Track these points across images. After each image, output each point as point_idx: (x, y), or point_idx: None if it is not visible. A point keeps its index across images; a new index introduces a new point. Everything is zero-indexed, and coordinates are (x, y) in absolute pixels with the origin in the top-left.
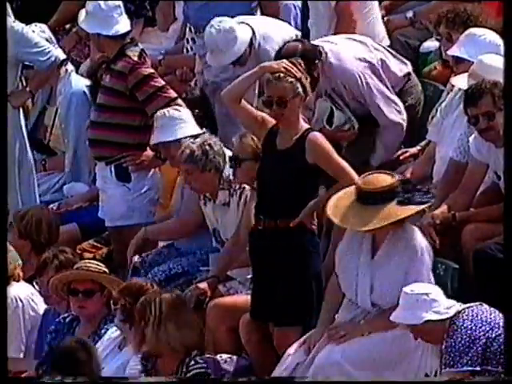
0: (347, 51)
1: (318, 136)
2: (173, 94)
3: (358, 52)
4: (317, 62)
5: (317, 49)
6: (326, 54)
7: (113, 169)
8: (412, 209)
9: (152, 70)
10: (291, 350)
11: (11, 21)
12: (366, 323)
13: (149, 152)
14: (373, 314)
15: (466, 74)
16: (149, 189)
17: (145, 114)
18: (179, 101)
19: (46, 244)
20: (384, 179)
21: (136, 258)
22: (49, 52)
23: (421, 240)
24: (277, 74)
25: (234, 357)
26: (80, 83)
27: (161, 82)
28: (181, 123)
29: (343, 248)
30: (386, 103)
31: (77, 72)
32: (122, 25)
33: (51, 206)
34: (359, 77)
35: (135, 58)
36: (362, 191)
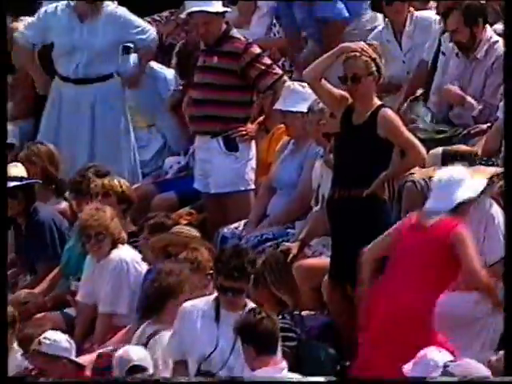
0: None
1: (388, 112)
2: (280, 71)
3: None
4: None
5: None
6: None
7: (221, 141)
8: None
9: (260, 50)
10: None
11: (114, 7)
12: None
13: (253, 125)
14: None
15: None
16: (251, 158)
17: (253, 90)
18: (285, 77)
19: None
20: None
21: (226, 230)
22: (148, 30)
23: (496, 208)
24: (353, 53)
25: (317, 314)
26: (155, 64)
27: (269, 61)
28: (308, 98)
29: None
30: None
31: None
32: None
33: (149, 177)
34: None
35: (244, 39)
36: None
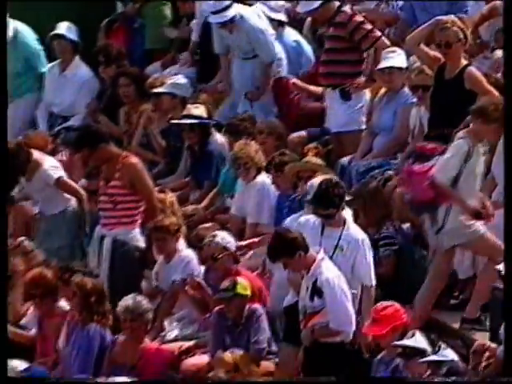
0: None
1: (473, 69)
2: (378, 33)
3: None
4: None
5: None
6: None
7: (338, 92)
8: None
9: (362, 18)
10: None
11: (248, 19)
12: None
13: (362, 78)
14: None
15: None
16: (362, 105)
17: (360, 51)
18: (383, 38)
19: None
20: None
21: (343, 160)
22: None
23: None
24: (445, 24)
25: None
26: (291, 37)
27: (370, 26)
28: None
29: None
30: None
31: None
32: None
33: None
34: None
35: (349, 11)
36: None
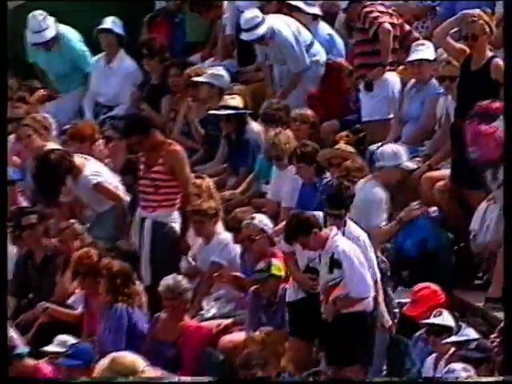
0: None
1: (500, 61)
2: (383, 19)
3: None
4: None
5: None
6: None
7: (363, 83)
8: None
9: (372, 9)
10: (481, 205)
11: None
12: None
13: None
14: None
15: None
16: (386, 95)
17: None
18: (386, 24)
19: None
20: None
21: (374, 146)
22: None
23: None
24: (471, 18)
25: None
26: (325, 31)
27: (376, 14)
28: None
29: None
30: None
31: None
32: None
33: None
34: None
35: (365, 3)
36: None
